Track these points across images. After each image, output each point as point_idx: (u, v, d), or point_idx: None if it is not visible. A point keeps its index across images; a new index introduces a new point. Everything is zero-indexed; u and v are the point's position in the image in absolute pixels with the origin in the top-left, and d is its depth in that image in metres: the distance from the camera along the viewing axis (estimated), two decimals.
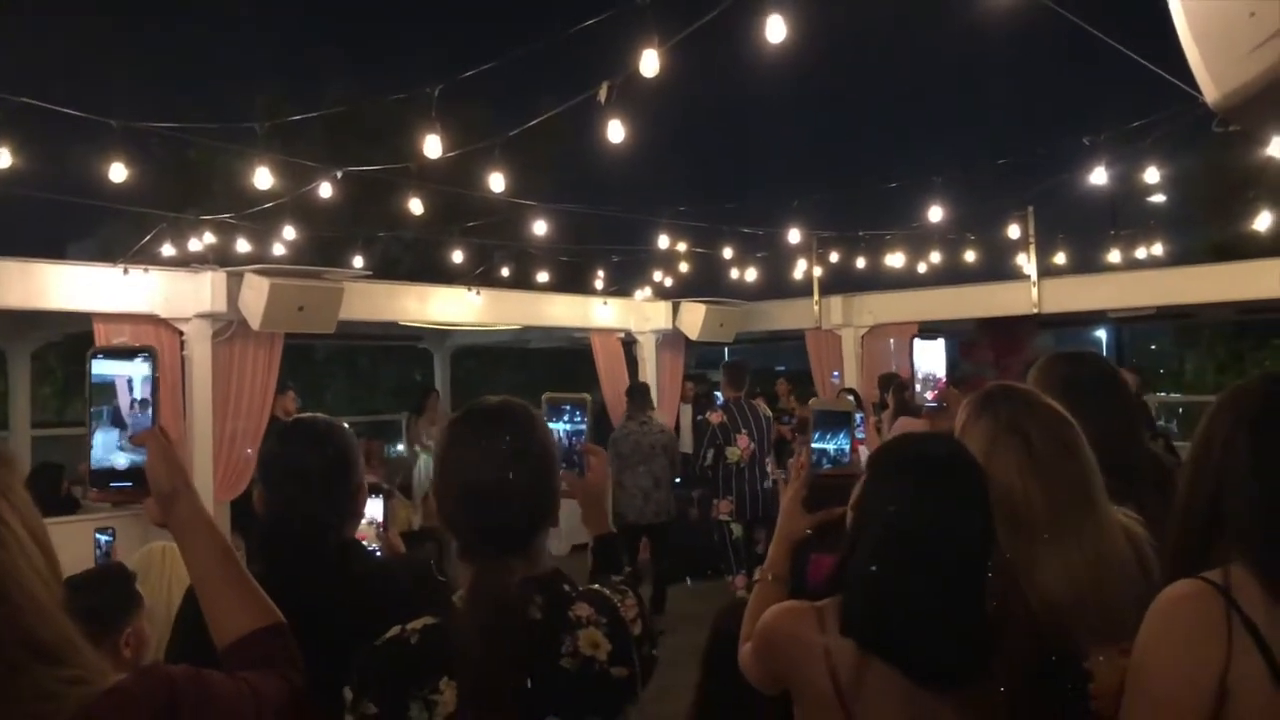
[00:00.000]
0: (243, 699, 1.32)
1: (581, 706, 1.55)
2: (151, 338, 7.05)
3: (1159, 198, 11.95)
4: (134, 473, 1.52)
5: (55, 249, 11.11)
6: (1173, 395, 16.84)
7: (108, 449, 1.53)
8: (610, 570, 1.90)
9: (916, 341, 3.02)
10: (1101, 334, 23.50)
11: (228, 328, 7.36)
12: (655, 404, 9.37)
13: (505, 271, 12.23)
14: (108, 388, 1.54)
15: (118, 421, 1.53)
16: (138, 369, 1.55)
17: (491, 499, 1.60)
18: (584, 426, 2.00)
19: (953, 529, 1.75)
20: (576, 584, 1.70)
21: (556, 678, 1.54)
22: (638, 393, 8.63)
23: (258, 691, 1.35)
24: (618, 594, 1.69)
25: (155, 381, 1.56)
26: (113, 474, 1.53)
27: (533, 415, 1.73)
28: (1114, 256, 11.68)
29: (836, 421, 2.28)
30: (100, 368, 1.54)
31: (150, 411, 1.55)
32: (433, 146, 5.96)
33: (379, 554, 2.42)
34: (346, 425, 2.30)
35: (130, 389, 1.54)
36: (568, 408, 1.96)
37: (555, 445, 1.76)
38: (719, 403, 8.60)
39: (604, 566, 1.89)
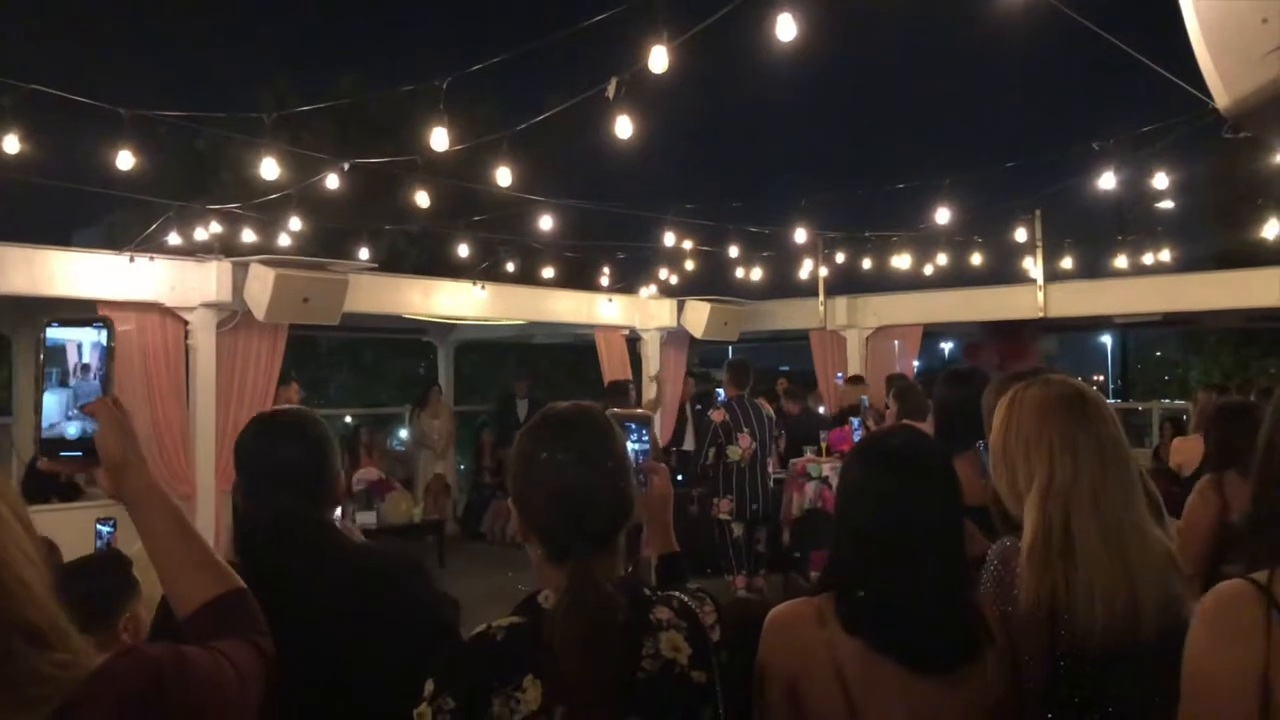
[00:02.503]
0: (222, 671, 1.32)
1: (661, 709, 1.57)
2: (157, 326, 7.08)
3: (1167, 204, 11.94)
4: (84, 442, 1.49)
5: (62, 236, 11.13)
6: (1177, 402, 16.81)
7: (58, 417, 1.50)
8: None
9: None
10: (1107, 339, 23.49)
11: (232, 318, 7.37)
12: (636, 400, 9.40)
13: (510, 267, 12.23)
14: (59, 354, 1.51)
15: (68, 389, 1.51)
16: (89, 336, 1.53)
17: (582, 501, 1.62)
18: (647, 444, 2.03)
19: (924, 517, 1.84)
20: (655, 588, 1.73)
21: (638, 679, 1.56)
22: (616, 391, 8.68)
23: (234, 662, 1.35)
24: (696, 600, 1.71)
25: (109, 350, 1.53)
26: (63, 443, 1.50)
27: (607, 418, 1.76)
28: (1121, 262, 11.67)
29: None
30: (54, 335, 1.52)
31: (101, 380, 1.52)
32: (440, 139, 5.96)
33: None
34: (325, 417, 2.33)
35: (80, 355, 1.52)
36: (631, 425, 1.96)
37: (626, 446, 1.78)
38: (720, 400, 8.59)
39: (669, 585, 1.90)
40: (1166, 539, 2.01)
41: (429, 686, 1.53)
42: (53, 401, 1.51)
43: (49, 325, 1.53)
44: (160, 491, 1.50)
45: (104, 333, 1.53)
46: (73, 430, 1.50)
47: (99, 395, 1.51)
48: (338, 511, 2.56)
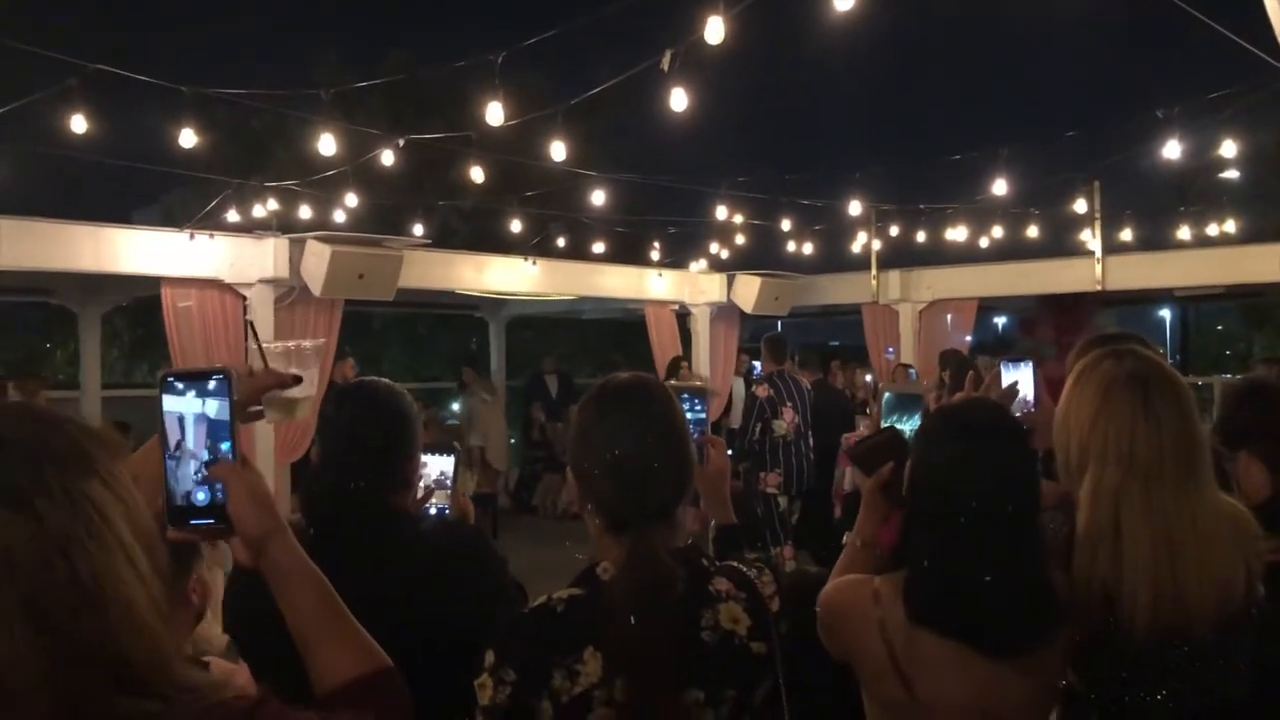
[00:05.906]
0: None
1: (721, 680, 1.56)
2: (216, 302, 7.22)
3: (1232, 173, 11.64)
4: (215, 508, 1.35)
5: (122, 214, 11.35)
6: (1239, 376, 16.42)
7: (184, 483, 1.36)
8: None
9: (1003, 367, 2.56)
10: (1166, 313, 22.95)
11: (289, 293, 7.48)
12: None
13: (561, 242, 12.25)
14: (180, 419, 1.36)
15: (193, 452, 1.37)
16: (211, 400, 1.37)
17: (641, 471, 1.61)
18: (704, 415, 2.00)
19: (1002, 495, 1.78)
20: (713, 559, 1.71)
21: (698, 650, 1.56)
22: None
23: None
24: (754, 570, 1.70)
25: (232, 405, 1.37)
26: (192, 510, 1.36)
27: (666, 388, 1.75)
28: (1183, 233, 11.39)
29: (908, 405, 2.31)
30: (170, 404, 1.36)
31: (228, 440, 1.36)
32: (494, 114, 5.98)
33: (446, 513, 2.37)
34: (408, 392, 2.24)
35: (201, 420, 1.37)
36: (686, 396, 1.93)
37: (685, 418, 1.77)
38: (756, 373, 8.51)
39: (727, 556, 1.90)
40: (1239, 509, 1.91)
41: (490, 657, 1.54)
42: (177, 467, 1.37)
43: (166, 380, 1.37)
44: (306, 563, 1.38)
45: (223, 400, 1.36)
46: (201, 496, 1.36)
47: (225, 458, 1.36)
48: (448, 479, 2.42)
